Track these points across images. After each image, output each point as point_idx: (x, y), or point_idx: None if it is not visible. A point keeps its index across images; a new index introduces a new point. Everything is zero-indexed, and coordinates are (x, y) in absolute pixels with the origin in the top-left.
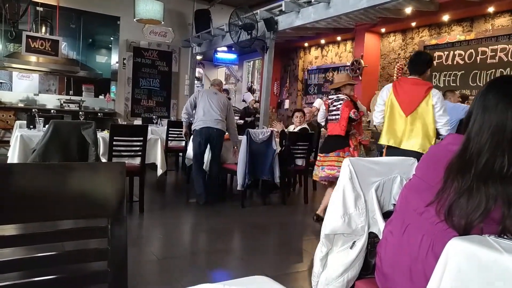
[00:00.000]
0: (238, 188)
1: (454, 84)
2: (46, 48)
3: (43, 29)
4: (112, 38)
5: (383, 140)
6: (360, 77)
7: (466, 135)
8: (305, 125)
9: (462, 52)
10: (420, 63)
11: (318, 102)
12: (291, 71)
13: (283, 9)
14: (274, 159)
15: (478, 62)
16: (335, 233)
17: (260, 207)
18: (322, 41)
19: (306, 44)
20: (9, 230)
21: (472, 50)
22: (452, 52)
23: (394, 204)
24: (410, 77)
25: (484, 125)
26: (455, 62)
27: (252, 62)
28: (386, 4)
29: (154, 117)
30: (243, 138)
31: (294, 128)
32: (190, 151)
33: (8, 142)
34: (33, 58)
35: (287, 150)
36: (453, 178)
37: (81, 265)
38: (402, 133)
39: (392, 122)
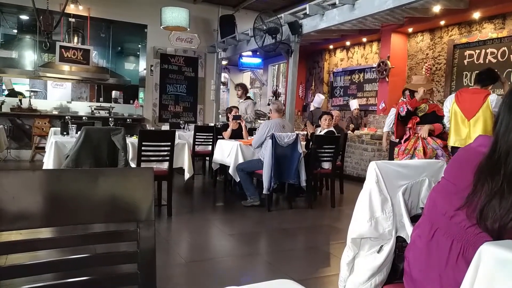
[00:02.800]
0: (264, 192)
1: None
2: (78, 57)
3: (75, 39)
4: (139, 46)
5: (450, 142)
6: (387, 79)
7: (494, 136)
8: (332, 128)
9: (495, 50)
10: (486, 78)
11: (356, 103)
12: (316, 74)
13: (307, 12)
14: (300, 162)
15: None
16: (361, 237)
17: (286, 211)
18: (348, 43)
19: (331, 47)
20: (45, 233)
21: (505, 48)
22: (483, 51)
23: (422, 208)
24: (471, 87)
25: (511, 124)
26: (487, 61)
27: (277, 65)
28: (413, 3)
29: (181, 122)
30: (269, 142)
31: (320, 131)
32: (216, 156)
33: (43, 148)
34: (66, 67)
35: (313, 153)
36: (484, 180)
37: (112, 267)
38: (466, 135)
39: (456, 126)
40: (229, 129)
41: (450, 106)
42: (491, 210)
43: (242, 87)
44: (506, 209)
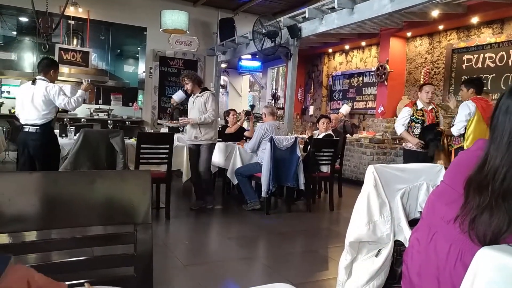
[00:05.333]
0: (263, 195)
1: (485, 88)
2: (77, 60)
3: (75, 41)
4: (139, 48)
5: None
6: (385, 82)
7: (486, 150)
8: (330, 132)
9: (493, 55)
10: (482, 88)
11: (345, 109)
12: (315, 77)
13: (307, 16)
14: (298, 165)
15: (510, 64)
16: (359, 241)
17: (285, 214)
18: (347, 47)
19: (330, 50)
20: (42, 235)
21: (504, 53)
22: (482, 55)
23: (421, 212)
24: (480, 96)
25: (501, 144)
26: (485, 65)
27: (276, 69)
28: (412, 8)
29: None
30: (267, 145)
31: (319, 134)
32: (215, 158)
33: None
34: (65, 69)
35: (312, 157)
36: (473, 194)
37: (109, 269)
38: None
39: (481, 131)
40: (238, 123)
41: (473, 113)
42: (482, 223)
43: (190, 77)
44: (498, 225)
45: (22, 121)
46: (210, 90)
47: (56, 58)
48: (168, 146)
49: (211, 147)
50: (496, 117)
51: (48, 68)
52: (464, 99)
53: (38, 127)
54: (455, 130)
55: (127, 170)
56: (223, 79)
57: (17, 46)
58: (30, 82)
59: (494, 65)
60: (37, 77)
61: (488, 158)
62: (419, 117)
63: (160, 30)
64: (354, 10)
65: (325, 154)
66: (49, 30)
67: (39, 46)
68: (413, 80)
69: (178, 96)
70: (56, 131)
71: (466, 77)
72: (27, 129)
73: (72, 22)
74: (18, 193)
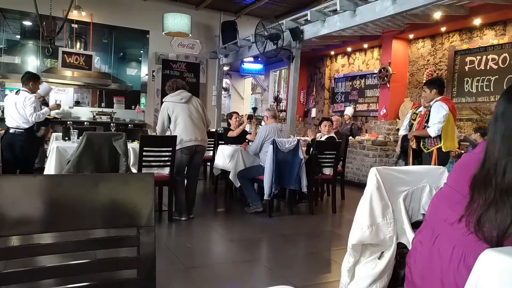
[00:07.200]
0: (265, 197)
1: (488, 90)
2: (81, 63)
3: (78, 44)
4: (141, 51)
5: (448, 147)
6: (388, 85)
7: (485, 145)
8: (333, 134)
9: (496, 56)
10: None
11: (349, 110)
12: (317, 80)
13: (309, 19)
14: (301, 168)
15: None
16: (362, 244)
17: (287, 217)
18: (349, 49)
19: (332, 53)
20: (45, 238)
21: (506, 54)
22: (484, 57)
23: (423, 214)
24: (444, 96)
25: (496, 134)
26: (488, 67)
27: (278, 71)
28: (414, 10)
29: None
30: (270, 148)
31: (321, 137)
32: (217, 161)
33: (45, 153)
34: (68, 72)
35: (314, 159)
36: (478, 191)
37: (112, 272)
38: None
39: (453, 131)
40: (241, 127)
41: (448, 114)
42: (488, 220)
43: (166, 87)
44: (503, 220)
45: (8, 125)
46: (174, 94)
47: (60, 61)
48: (171, 149)
49: (177, 153)
50: (494, 116)
51: (28, 80)
52: (428, 100)
53: (23, 130)
54: (434, 131)
55: (130, 173)
56: (226, 81)
57: (20, 50)
58: (15, 92)
59: (497, 66)
60: (21, 89)
61: (488, 154)
62: (412, 121)
63: (163, 33)
64: (356, 13)
65: (327, 156)
66: (52, 34)
67: (43, 49)
68: (416, 82)
69: (43, 89)
70: (59, 134)
71: (468, 79)
72: (13, 131)
73: (75, 25)
74: (22, 196)
